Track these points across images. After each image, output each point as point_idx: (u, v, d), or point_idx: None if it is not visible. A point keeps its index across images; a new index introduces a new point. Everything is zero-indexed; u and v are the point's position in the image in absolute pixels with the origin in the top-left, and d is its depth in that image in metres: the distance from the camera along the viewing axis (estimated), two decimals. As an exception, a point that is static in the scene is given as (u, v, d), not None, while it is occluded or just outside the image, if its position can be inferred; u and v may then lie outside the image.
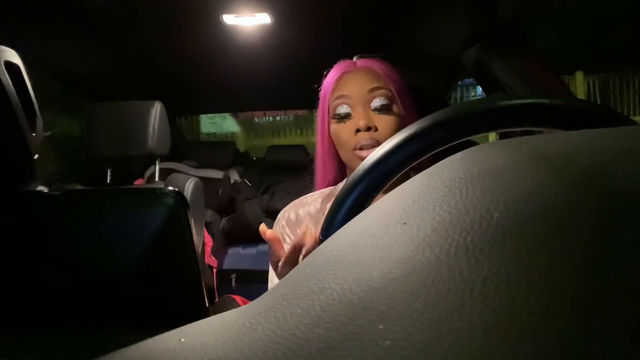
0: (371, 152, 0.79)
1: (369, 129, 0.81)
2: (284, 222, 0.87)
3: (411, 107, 0.88)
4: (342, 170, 0.92)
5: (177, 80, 2.23)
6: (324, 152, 0.91)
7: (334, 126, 0.85)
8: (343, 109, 0.84)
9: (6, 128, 0.62)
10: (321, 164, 0.93)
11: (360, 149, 0.81)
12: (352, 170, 0.86)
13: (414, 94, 0.91)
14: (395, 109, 0.84)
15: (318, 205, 0.87)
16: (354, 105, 0.83)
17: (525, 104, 0.39)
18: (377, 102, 0.83)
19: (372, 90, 0.83)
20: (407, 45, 1.78)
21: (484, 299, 0.13)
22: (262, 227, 0.64)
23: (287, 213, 0.88)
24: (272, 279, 0.86)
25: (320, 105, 0.90)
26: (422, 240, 0.17)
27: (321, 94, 0.90)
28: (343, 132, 0.83)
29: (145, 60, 1.95)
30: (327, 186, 0.93)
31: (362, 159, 0.80)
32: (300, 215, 0.87)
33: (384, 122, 0.82)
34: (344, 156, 0.86)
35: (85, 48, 1.73)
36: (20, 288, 0.54)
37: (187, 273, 0.53)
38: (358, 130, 0.81)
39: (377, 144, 0.80)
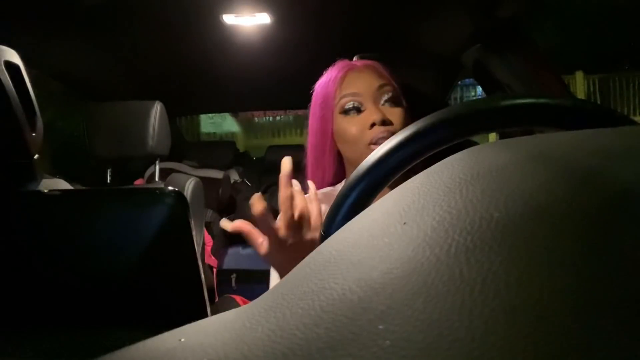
0: None
1: (384, 122, 0.81)
2: None
3: (410, 106, 0.88)
4: (341, 169, 0.92)
5: (177, 80, 2.23)
6: (325, 151, 0.90)
7: (342, 123, 0.85)
8: (354, 105, 0.84)
9: (6, 128, 0.62)
10: (319, 165, 0.92)
11: (376, 143, 0.80)
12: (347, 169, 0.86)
13: (409, 95, 0.91)
14: (401, 105, 0.85)
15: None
16: (364, 102, 0.84)
17: (525, 104, 0.39)
18: (387, 97, 0.84)
19: (380, 86, 0.84)
20: (407, 45, 1.78)
21: (484, 299, 0.13)
22: (224, 223, 0.63)
23: None
24: (274, 284, 0.86)
25: (319, 104, 0.89)
26: (422, 240, 0.17)
27: (321, 93, 0.89)
28: (354, 127, 0.83)
29: (145, 60, 1.95)
30: (325, 187, 0.92)
31: None
32: None
33: (396, 115, 0.83)
34: (354, 153, 0.85)
35: (85, 48, 1.73)
36: (20, 288, 0.54)
37: (187, 273, 0.53)
38: (373, 125, 0.81)
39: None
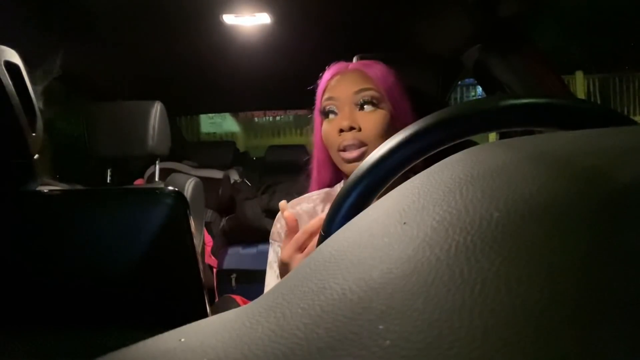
0: (355, 153, 0.81)
1: (351, 129, 0.81)
2: (283, 222, 0.87)
3: (403, 108, 0.88)
4: (337, 171, 0.92)
5: (177, 80, 2.23)
6: (319, 153, 0.92)
7: (324, 126, 0.86)
8: (330, 109, 0.85)
9: (6, 128, 0.62)
10: (316, 166, 0.94)
11: (344, 149, 0.82)
12: (342, 171, 0.87)
13: (409, 95, 0.91)
14: (382, 109, 0.84)
15: (316, 206, 0.87)
16: (340, 106, 0.84)
17: (525, 104, 0.39)
18: (361, 102, 0.83)
19: (358, 91, 0.83)
20: (407, 45, 1.78)
21: (484, 299, 0.13)
22: (283, 204, 0.68)
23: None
24: (269, 284, 0.86)
25: (315, 106, 0.91)
26: (422, 240, 0.17)
27: (316, 95, 0.91)
28: (330, 132, 0.84)
29: (145, 60, 1.95)
30: (323, 187, 0.93)
31: (346, 160, 0.81)
32: (299, 213, 0.87)
33: (368, 121, 0.82)
34: (332, 156, 0.87)
35: (86, 48, 1.73)
36: (20, 288, 0.54)
37: (187, 273, 0.53)
38: (342, 131, 0.82)
39: (361, 144, 0.81)
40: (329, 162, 0.91)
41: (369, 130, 0.82)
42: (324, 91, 0.88)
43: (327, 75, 0.90)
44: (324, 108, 0.86)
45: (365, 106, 0.83)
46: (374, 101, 0.83)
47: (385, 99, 0.85)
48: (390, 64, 0.92)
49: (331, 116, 0.85)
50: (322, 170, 0.93)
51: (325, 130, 0.85)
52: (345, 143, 0.81)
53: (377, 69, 0.88)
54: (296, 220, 0.66)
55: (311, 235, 0.64)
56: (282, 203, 0.68)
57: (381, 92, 0.85)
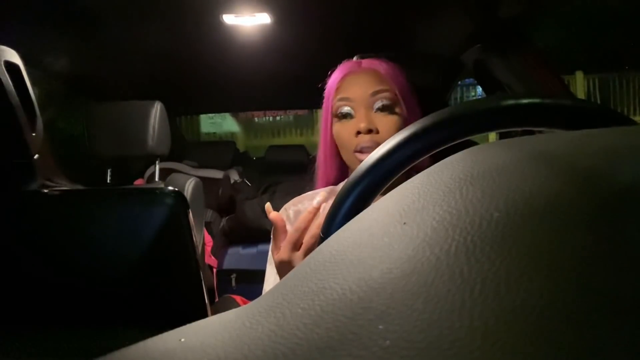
0: None
1: (369, 131, 0.81)
2: (284, 219, 0.87)
3: (414, 109, 0.88)
4: (343, 170, 0.92)
5: (177, 80, 2.23)
6: (326, 151, 0.92)
7: (336, 126, 0.86)
8: (345, 110, 0.84)
9: (6, 128, 0.62)
10: (322, 164, 0.94)
11: (361, 151, 0.81)
12: (351, 170, 0.87)
13: (417, 95, 0.91)
14: (397, 111, 0.84)
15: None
16: (356, 107, 0.83)
17: (525, 104, 0.39)
18: (379, 105, 0.83)
19: (375, 93, 0.83)
20: (407, 45, 1.78)
21: (484, 299, 0.13)
22: (268, 206, 0.67)
23: (287, 210, 0.88)
24: (268, 279, 0.86)
25: (324, 104, 0.90)
26: (422, 240, 0.17)
27: (325, 93, 0.90)
28: (344, 132, 0.84)
29: (145, 60, 1.95)
30: (328, 185, 0.93)
31: (362, 161, 0.81)
32: (301, 211, 0.87)
33: (385, 124, 0.82)
34: (345, 157, 0.86)
35: (86, 48, 1.73)
36: (20, 288, 0.54)
37: (187, 273, 0.53)
38: (359, 132, 0.81)
39: (378, 146, 0.81)
40: (335, 159, 0.91)
41: (386, 133, 0.81)
42: (336, 90, 0.86)
43: (338, 73, 0.88)
44: (338, 108, 0.85)
45: (381, 108, 0.83)
46: (390, 103, 0.83)
47: (399, 100, 0.85)
48: (395, 62, 0.92)
49: (344, 118, 0.84)
50: (328, 168, 0.93)
51: (339, 131, 0.85)
52: (363, 145, 0.81)
53: (389, 68, 0.87)
54: (283, 220, 0.66)
55: (303, 232, 0.63)
56: (267, 205, 0.67)
57: (395, 92, 0.85)
